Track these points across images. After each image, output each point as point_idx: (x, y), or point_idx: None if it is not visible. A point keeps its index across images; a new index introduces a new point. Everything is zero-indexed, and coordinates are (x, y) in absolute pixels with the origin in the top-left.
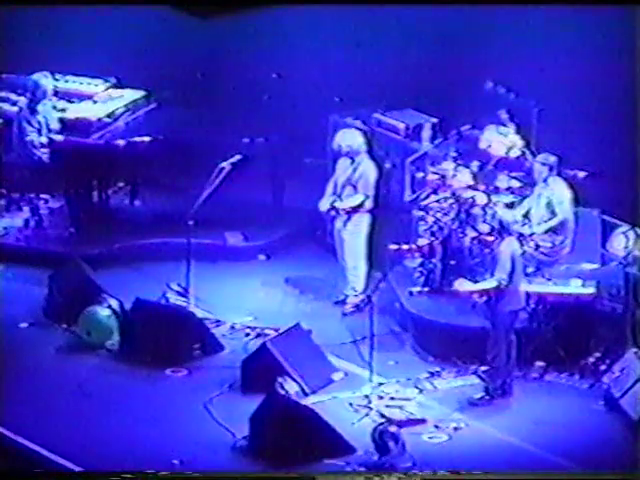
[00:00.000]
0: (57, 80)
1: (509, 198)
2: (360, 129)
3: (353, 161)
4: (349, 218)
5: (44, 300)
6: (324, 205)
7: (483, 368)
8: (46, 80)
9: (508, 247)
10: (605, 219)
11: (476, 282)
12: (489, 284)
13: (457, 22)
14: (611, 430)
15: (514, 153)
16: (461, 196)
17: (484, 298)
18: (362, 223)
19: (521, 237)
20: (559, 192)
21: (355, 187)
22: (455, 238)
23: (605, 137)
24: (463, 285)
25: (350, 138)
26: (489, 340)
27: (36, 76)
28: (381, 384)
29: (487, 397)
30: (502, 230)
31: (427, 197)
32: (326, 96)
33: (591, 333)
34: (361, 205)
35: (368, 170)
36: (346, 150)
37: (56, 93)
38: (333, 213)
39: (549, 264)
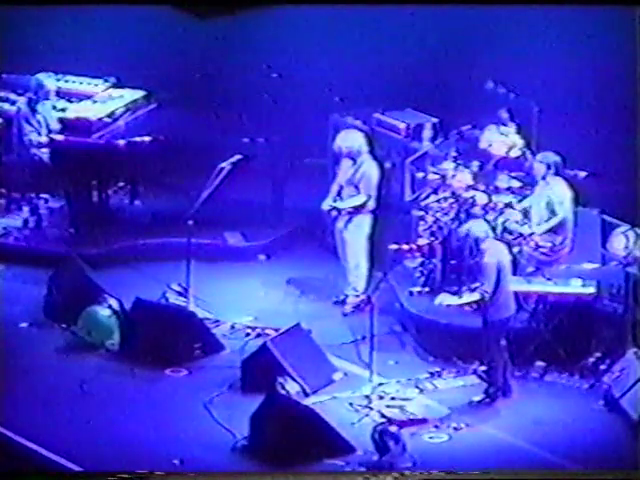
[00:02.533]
0: (59, 80)
1: (509, 198)
2: (361, 129)
3: (355, 162)
4: (350, 219)
5: (44, 300)
6: (327, 205)
7: (483, 368)
8: (50, 80)
9: (492, 257)
10: (605, 219)
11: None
12: (472, 298)
13: (457, 22)
14: (611, 430)
15: (515, 153)
16: (461, 196)
17: (473, 307)
18: (364, 223)
19: (520, 237)
20: (559, 192)
21: (357, 187)
22: (455, 238)
23: (605, 137)
24: (446, 300)
25: (350, 139)
26: (482, 346)
27: (40, 76)
28: (381, 384)
29: (487, 399)
30: (477, 245)
31: (427, 197)
32: (326, 96)
33: (591, 333)
34: (363, 205)
35: (370, 170)
36: (347, 151)
37: (57, 93)
38: (335, 213)
39: (549, 264)
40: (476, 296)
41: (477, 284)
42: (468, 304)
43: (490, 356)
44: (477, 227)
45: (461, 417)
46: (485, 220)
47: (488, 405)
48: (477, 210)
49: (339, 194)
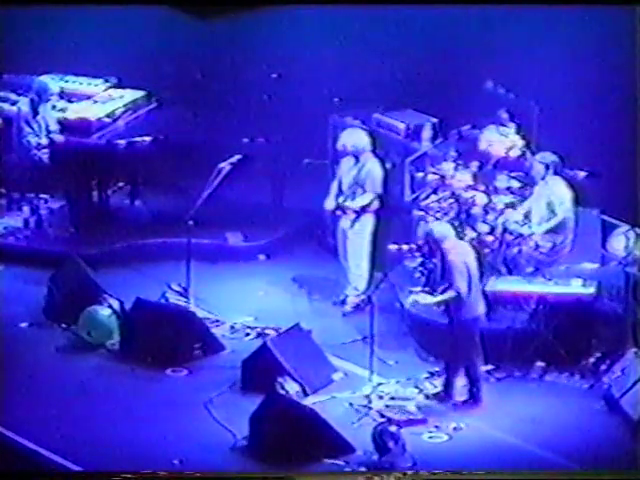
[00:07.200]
0: (60, 81)
1: (509, 198)
2: (365, 129)
3: (357, 160)
4: (356, 218)
5: (44, 300)
6: (330, 204)
7: (483, 368)
8: (54, 82)
9: (459, 256)
10: (605, 219)
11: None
12: (449, 295)
13: (457, 22)
14: (611, 430)
15: (514, 153)
16: (461, 196)
17: (442, 307)
18: (368, 223)
19: (520, 237)
20: (559, 192)
21: (362, 187)
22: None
23: (605, 137)
24: (425, 299)
25: (356, 138)
26: (445, 345)
27: (44, 78)
28: (381, 384)
29: (442, 393)
30: (438, 245)
31: (427, 197)
32: (326, 96)
33: (591, 333)
34: (370, 204)
35: (374, 169)
36: (351, 149)
37: (59, 94)
38: (339, 213)
39: (549, 264)
40: (453, 293)
41: (446, 284)
42: (443, 302)
43: (453, 356)
44: (439, 228)
45: (461, 417)
46: (450, 222)
47: (443, 403)
48: (477, 210)
49: (343, 193)
